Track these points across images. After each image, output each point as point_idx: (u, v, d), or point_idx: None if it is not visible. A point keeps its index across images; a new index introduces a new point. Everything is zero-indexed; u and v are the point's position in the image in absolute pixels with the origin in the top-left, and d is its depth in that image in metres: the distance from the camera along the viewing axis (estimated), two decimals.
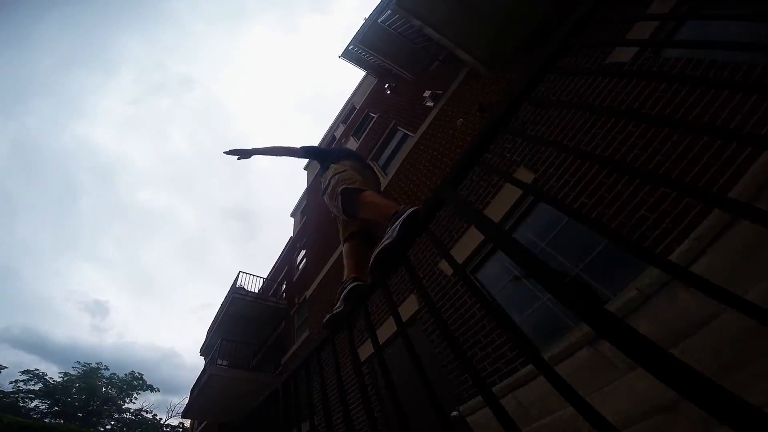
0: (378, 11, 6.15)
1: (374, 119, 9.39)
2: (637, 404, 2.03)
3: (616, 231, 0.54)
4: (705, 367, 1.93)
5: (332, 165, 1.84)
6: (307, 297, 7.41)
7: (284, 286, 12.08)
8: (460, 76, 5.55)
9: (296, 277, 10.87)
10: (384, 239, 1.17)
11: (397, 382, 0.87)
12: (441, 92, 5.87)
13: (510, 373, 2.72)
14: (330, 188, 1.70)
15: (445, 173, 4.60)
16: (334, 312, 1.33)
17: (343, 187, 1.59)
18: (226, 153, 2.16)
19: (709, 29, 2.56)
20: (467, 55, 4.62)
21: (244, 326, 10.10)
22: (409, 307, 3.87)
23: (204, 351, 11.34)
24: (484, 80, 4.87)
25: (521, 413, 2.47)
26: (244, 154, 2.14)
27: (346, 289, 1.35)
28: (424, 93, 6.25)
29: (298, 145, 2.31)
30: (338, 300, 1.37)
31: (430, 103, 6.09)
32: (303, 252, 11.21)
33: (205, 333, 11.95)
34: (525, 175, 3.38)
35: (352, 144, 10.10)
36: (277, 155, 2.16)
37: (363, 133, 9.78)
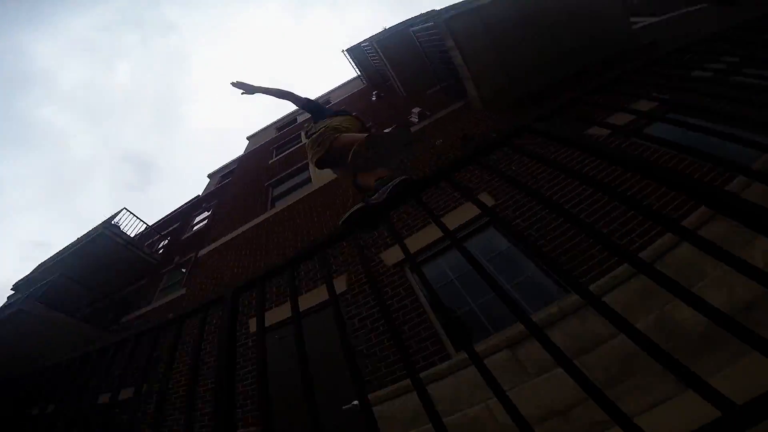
0: (416, 21, 6.57)
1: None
2: (539, 407, 2.24)
3: (552, 260, 0.72)
4: (594, 377, 2.30)
5: (325, 120, 1.94)
6: (198, 256, 6.33)
7: (165, 241, 10.28)
8: (453, 107, 6.14)
9: (186, 236, 9.45)
10: (372, 198, 1.30)
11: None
12: (429, 113, 6.36)
13: (426, 367, 2.74)
14: (317, 135, 1.81)
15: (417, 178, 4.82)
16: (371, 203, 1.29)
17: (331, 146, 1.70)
18: (233, 84, 2.27)
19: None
20: (474, 89, 5.20)
21: (95, 271, 7.91)
22: (339, 286, 3.66)
23: (20, 286, 8.36)
24: (475, 115, 5.49)
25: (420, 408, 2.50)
26: (248, 89, 2.23)
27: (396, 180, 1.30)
28: (412, 109, 6.66)
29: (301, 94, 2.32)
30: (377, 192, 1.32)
31: (414, 119, 6.49)
32: (208, 213, 9.96)
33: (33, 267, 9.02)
34: (486, 199, 3.79)
35: None
36: (278, 98, 2.24)
37: None
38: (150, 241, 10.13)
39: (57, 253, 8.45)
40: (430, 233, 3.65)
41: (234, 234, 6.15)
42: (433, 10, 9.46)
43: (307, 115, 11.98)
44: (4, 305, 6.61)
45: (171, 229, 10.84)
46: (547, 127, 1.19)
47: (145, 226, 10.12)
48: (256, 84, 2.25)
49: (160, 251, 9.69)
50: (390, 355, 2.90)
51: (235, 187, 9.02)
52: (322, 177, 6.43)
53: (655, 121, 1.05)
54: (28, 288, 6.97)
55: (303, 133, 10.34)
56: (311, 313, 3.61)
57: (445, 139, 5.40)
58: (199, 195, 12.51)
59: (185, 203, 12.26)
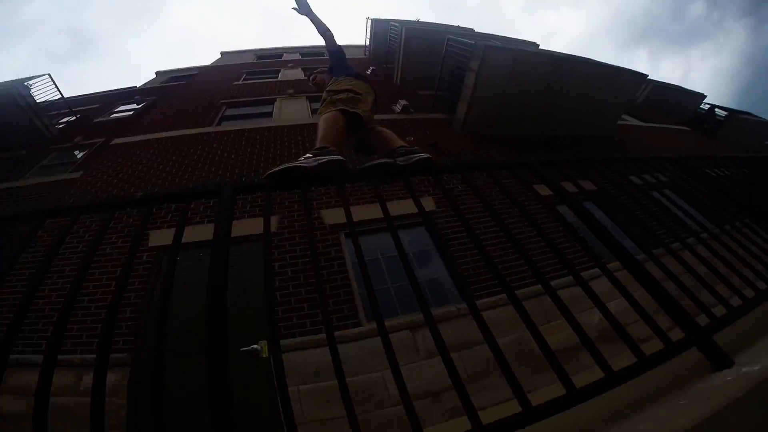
0: (452, 30, 6.68)
1: (319, 68, 9.16)
2: (420, 386, 2.53)
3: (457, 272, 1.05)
4: (463, 370, 2.68)
5: (346, 78, 2.01)
6: (111, 143, 5.43)
7: (70, 118, 8.69)
8: (435, 116, 6.44)
9: (100, 119, 8.17)
10: (400, 160, 1.51)
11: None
12: (412, 111, 6.54)
13: (339, 328, 2.87)
14: (340, 93, 1.83)
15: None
16: (301, 165, 1.29)
17: (342, 108, 1.74)
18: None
19: None
20: (464, 111, 5.57)
21: None
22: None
23: None
24: (449, 132, 5.85)
25: (327, 365, 2.61)
26: (303, 7, 2.16)
27: (334, 156, 1.35)
28: (399, 99, 6.78)
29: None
30: (316, 157, 1.34)
31: (397, 108, 6.62)
32: (137, 105, 8.74)
33: None
34: (428, 203, 4.12)
35: (296, 73, 9.36)
36: (318, 29, 2.20)
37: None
38: (54, 112, 8.41)
39: None
40: (374, 211, 3.80)
41: (165, 134, 5.47)
42: (472, 30, 9.79)
43: (295, 57, 11.31)
44: None
45: (85, 108, 9.17)
46: (544, 172, 1.50)
47: (59, 96, 8.46)
48: (311, 6, 2.17)
49: (60, 126, 8.15)
50: (304, 308, 2.94)
51: (186, 90, 8.04)
52: (287, 117, 6.14)
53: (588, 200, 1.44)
54: None
55: (285, 71, 9.69)
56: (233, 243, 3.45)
57: (415, 139, 5.63)
58: (135, 86, 10.86)
59: (116, 89, 10.58)
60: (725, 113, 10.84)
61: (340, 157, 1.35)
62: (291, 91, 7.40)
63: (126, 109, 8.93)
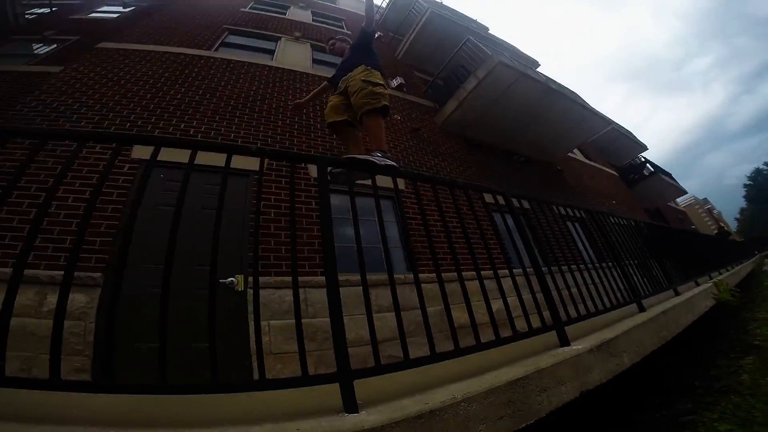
0: (471, 27, 6.50)
1: (342, 32, 8.59)
2: (367, 334, 2.93)
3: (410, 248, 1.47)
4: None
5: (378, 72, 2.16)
6: (100, 47, 4.74)
7: (43, 10, 7.27)
8: (423, 101, 6.49)
9: (77, 16, 7.04)
10: (373, 159, 1.75)
11: None
12: (405, 90, 6.52)
13: (308, 274, 2.99)
14: (378, 86, 2.02)
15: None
16: (374, 160, 1.74)
17: (384, 104, 2.00)
18: None
19: None
20: (451, 109, 5.70)
21: None
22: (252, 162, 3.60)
23: None
24: (431, 121, 6.01)
25: (302, 306, 2.81)
26: None
27: (392, 162, 1.81)
28: (397, 76, 6.67)
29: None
30: (383, 158, 1.79)
31: (393, 84, 6.53)
32: (122, 9, 7.56)
33: None
34: (400, 181, 4.38)
35: (305, 15, 8.58)
36: (369, 8, 2.29)
37: (321, 23, 8.66)
38: (27, 1, 6.89)
39: None
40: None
41: (157, 48, 4.90)
42: (487, 29, 9.45)
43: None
44: None
45: (65, 2, 7.62)
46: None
47: None
48: None
49: (30, 17, 6.79)
50: (281, 250, 3.06)
51: (185, 6, 7.01)
52: (289, 61, 5.79)
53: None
54: None
55: (294, 9, 8.76)
56: (205, 171, 3.41)
57: (401, 119, 5.72)
58: None
59: None
60: (651, 170, 12.21)
61: (395, 164, 1.80)
62: (298, 34, 6.85)
63: (110, 11, 7.61)
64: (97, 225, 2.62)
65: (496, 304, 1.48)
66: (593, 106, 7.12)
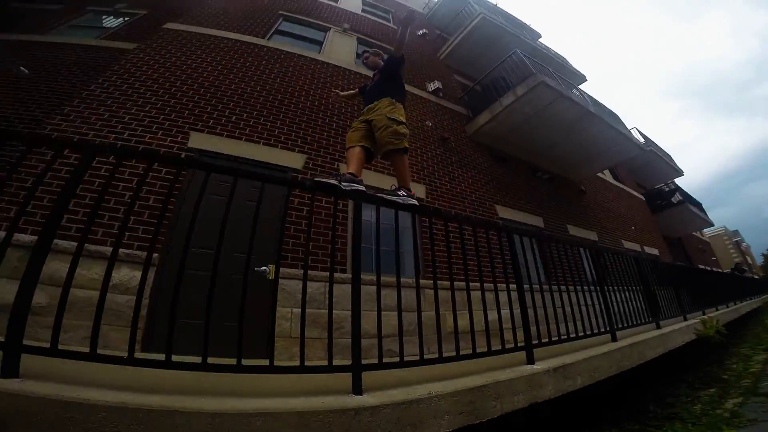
0: (521, 34, 6.23)
1: (389, 25, 8.34)
2: (372, 329, 3.17)
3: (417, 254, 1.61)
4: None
5: (401, 106, 2.30)
6: (167, 27, 4.94)
7: None
8: (457, 108, 6.33)
9: None
10: (397, 196, 2.00)
11: None
12: (441, 96, 6.36)
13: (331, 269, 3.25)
14: (401, 126, 2.18)
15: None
16: (331, 181, 1.85)
17: (405, 146, 2.19)
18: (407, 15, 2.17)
19: None
20: (483, 122, 5.60)
21: None
22: (295, 161, 3.77)
23: None
24: (462, 130, 5.91)
25: (320, 298, 3.07)
26: (406, 20, 2.15)
27: (413, 202, 2.06)
28: (435, 80, 6.50)
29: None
30: (344, 180, 1.91)
31: (430, 88, 6.39)
32: None
33: None
34: (420, 189, 4.47)
35: (355, 4, 8.35)
36: (402, 40, 2.24)
37: (371, 13, 8.43)
38: None
39: None
40: (380, 180, 4.10)
41: (217, 33, 5.01)
42: (539, 36, 8.90)
43: None
44: None
45: None
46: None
47: None
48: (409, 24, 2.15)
49: None
50: (309, 246, 3.27)
51: None
52: (335, 55, 5.79)
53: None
54: None
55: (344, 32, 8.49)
56: (250, 163, 3.62)
57: (432, 126, 5.65)
58: None
59: None
60: (680, 198, 11.40)
61: (416, 203, 2.07)
62: (347, 26, 6.74)
63: None
64: (154, 207, 2.92)
65: (478, 316, 1.71)
66: (630, 131, 6.71)
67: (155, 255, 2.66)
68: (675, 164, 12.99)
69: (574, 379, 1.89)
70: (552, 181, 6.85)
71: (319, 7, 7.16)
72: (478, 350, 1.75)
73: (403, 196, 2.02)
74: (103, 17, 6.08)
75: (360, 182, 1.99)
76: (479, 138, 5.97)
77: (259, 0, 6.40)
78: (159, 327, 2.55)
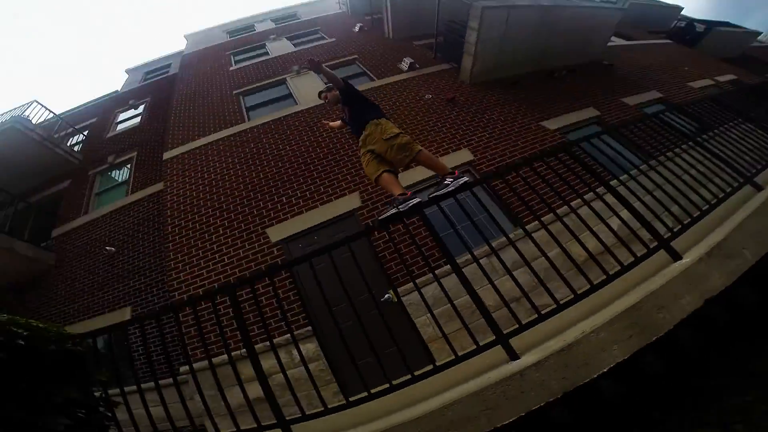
0: None
1: (326, 40, 9.27)
2: (507, 292, 3.63)
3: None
4: (530, 281, 3.86)
5: (386, 120, 2.68)
6: (167, 158, 5.94)
7: (79, 137, 8.89)
8: (440, 67, 6.95)
9: (111, 135, 8.54)
10: (445, 187, 2.40)
11: None
12: (418, 66, 7.00)
13: (435, 268, 3.81)
14: (398, 137, 2.54)
15: (401, 125, 5.64)
16: (392, 211, 2.36)
17: (419, 148, 2.58)
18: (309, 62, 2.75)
19: None
20: (470, 64, 6.14)
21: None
22: (353, 202, 4.46)
23: None
24: (457, 82, 6.48)
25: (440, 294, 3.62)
26: (314, 66, 2.66)
27: (411, 201, 2.35)
28: (404, 57, 7.17)
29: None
30: (399, 204, 2.34)
31: (404, 67, 7.05)
32: (135, 111, 9.16)
33: None
34: (466, 155, 5.00)
35: (284, 45, 9.38)
36: (334, 83, 2.80)
37: (302, 43, 9.43)
38: (60, 134, 8.53)
39: None
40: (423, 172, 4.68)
41: (207, 140, 5.95)
42: None
43: (268, 25, 10.86)
44: None
45: (86, 124, 9.26)
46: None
47: (53, 117, 8.56)
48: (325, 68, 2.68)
49: (76, 148, 8.41)
50: (408, 259, 3.89)
51: (187, 87, 8.13)
52: (309, 97, 6.58)
53: None
54: None
55: (270, 43, 9.53)
56: (323, 227, 4.35)
57: (434, 95, 6.24)
58: (117, 90, 10.75)
59: (100, 97, 10.58)
60: (703, 26, 11.33)
61: (467, 179, 2.47)
62: (296, 68, 7.65)
63: (127, 117, 9.11)
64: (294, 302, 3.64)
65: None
66: None
67: (308, 329, 3.42)
68: (665, 3, 13.12)
69: (739, 257, 1.80)
70: (573, 72, 7.16)
71: (260, 68, 8.18)
72: (611, 272, 1.92)
73: (450, 182, 2.38)
74: (110, 173, 7.37)
75: (413, 196, 2.36)
76: (478, 79, 6.49)
77: (208, 94, 7.45)
78: (343, 375, 3.38)
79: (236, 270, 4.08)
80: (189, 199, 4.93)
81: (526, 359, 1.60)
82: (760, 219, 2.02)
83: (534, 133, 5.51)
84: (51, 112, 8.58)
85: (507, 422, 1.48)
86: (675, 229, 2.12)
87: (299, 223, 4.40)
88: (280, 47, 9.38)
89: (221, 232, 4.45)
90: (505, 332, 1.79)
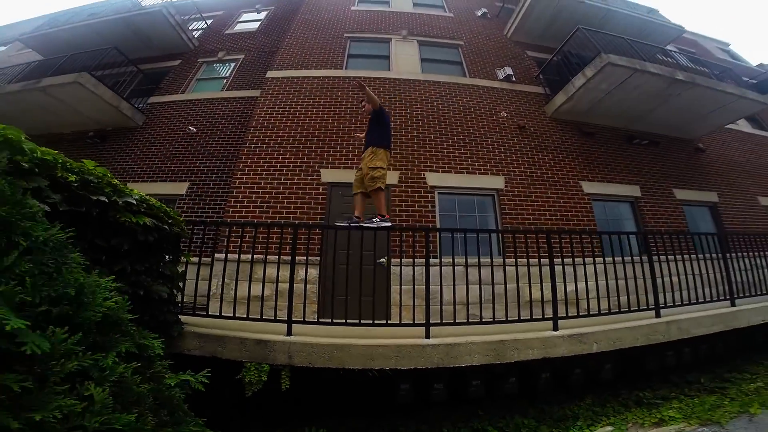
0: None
1: (444, 13, 9.49)
2: (460, 298, 4.67)
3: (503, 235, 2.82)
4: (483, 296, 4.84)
5: (386, 152, 3.73)
6: (270, 77, 7.14)
7: (202, 24, 10.44)
8: (532, 89, 7.27)
9: (229, 32, 10.13)
10: (372, 222, 3.51)
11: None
12: (514, 80, 7.34)
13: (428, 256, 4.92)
14: (376, 170, 3.56)
15: (460, 131, 6.33)
16: (343, 224, 3.56)
17: (378, 186, 3.58)
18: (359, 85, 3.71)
19: None
20: (559, 102, 6.54)
21: (128, 44, 8.60)
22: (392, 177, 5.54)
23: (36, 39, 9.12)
24: (538, 112, 6.86)
25: (408, 277, 4.77)
26: (360, 87, 3.68)
27: (353, 223, 3.53)
28: (504, 66, 7.49)
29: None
30: (350, 221, 3.60)
31: (500, 75, 7.42)
32: (257, 15, 10.56)
33: None
34: (499, 181, 5.70)
35: (405, 1, 9.74)
36: (376, 106, 3.74)
37: (422, 5, 9.71)
38: (188, 17, 10.08)
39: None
40: (457, 179, 5.53)
41: (307, 74, 7.06)
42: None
43: None
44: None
45: (212, 14, 10.75)
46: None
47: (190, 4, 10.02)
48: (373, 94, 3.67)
49: (195, 34, 9.94)
50: (408, 240, 5.02)
51: (312, 13, 9.06)
52: (402, 68, 7.34)
53: None
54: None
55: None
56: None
57: (508, 115, 6.70)
58: None
59: None
60: None
61: (389, 224, 3.60)
62: (404, 32, 8.26)
63: (251, 19, 10.42)
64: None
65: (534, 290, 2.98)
66: (747, 88, 6.60)
67: (317, 258, 4.68)
68: None
69: (589, 345, 3.01)
70: (656, 144, 7.16)
71: (375, 18, 8.82)
72: (509, 318, 3.11)
73: (377, 221, 3.48)
74: (215, 65, 8.96)
75: (356, 220, 3.58)
76: (560, 116, 6.80)
77: (323, 29, 8.37)
78: (326, 302, 4.56)
79: (286, 191, 5.41)
80: (274, 119, 6.22)
81: (431, 341, 2.87)
82: (624, 333, 3.19)
83: (569, 188, 6.00)
84: (196, 9, 10.12)
85: (406, 368, 2.76)
86: (569, 314, 3.27)
87: (347, 175, 5.54)
88: (400, 3, 9.77)
89: (287, 156, 5.75)
90: (431, 321, 2.99)
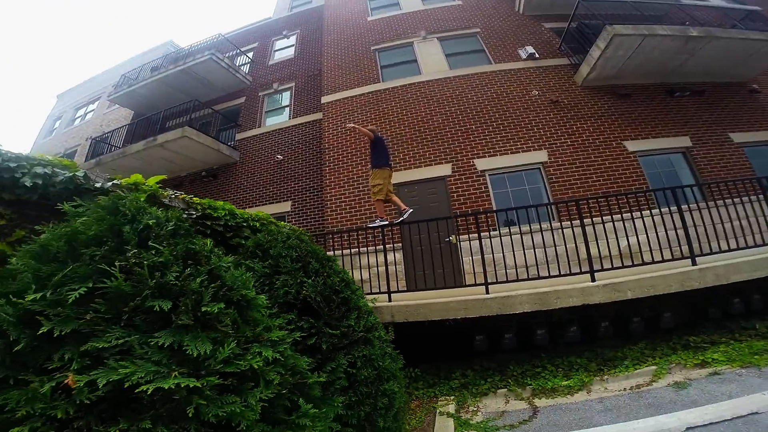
0: None
1: (453, 2, 10.07)
2: (521, 262, 5.73)
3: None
4: (541, 258, 5.84)
5: (382, 170, 5.01)
6: (324, 102, 8.37)
7: (246, 59, 11.95)
8: (558, 61, 7.95)
9: (272, 62, 11.43)
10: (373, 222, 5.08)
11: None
12: (537, 57, 8.04)
13: (485, 230, 6.01)
14: (375, 187, 4.93)
15: (499, 116, 7.24)
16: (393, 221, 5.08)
17: (377, 198, 4.98)
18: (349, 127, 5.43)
19: None
20: (585, 73, 7.19)
21: (194, 89, 10.59)
22: (444, 170, 6.70)
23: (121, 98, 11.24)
24: (573, 84, 7.58)
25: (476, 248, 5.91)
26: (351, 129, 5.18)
27: (386, 223, 5.02)
28: (526, 46, 8.20)
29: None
30: (381, 223, 4.98)
31: (523, 55, 8.14)
32: (288, 41, 11.85)
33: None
34: (542, 155, 6.62)
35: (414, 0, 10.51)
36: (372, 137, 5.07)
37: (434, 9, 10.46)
38: (229, 54, 11.67)
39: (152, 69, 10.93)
40: (507, 160, 6.53)
41: (352, 93, 8.22)
42: None
43: None
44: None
45: (249, 47, 12.25)
46: None
47: (228, 44, 11.55)
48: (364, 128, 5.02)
49: (248, 72, 11.48)
50: (469, 219, 6.13)
51: (332, 34, 10.18)
52: (430, 68, 8.34)
53: None
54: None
55: None
56: (418, 183, 6.68)
57: (540, 92, 7.45)
58: (270, 17, 13.31)
59: (256, 22, 13.32)
60: None
61: (385, 223, 5.02)
62: (423, 33, 9.16)
63: (285, 46, 11.79)
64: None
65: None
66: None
67: (399, 244, 5.98)
68: None
69: (623, 292, 3.51)
70: (701, 93, 7.37)
71: (393, 24, 9.72)
72: (551, 274, 4.07)
73: (375, 223, 4.93)
74: (274, 96, 10.54)
75: (384, 219, 4.98)
76: (590, 83, 7.41)
77: (353, 42, 9.51)
78: (410, 277, 5.88)
79: (365, 196, 6.73)
80: (340, 137, 7.60)
81: (489, 296, 3.94)
82: (655, 279, 3.68)
83: (612, 149, 6.73)
84: (231, 43, 11.63)
85: (472, 317, 3.85)
86: (604, 266, 4.04)
87: (405, 175, 6.78)
88: (410, 2, 10.53)
89: (357, 167, 7.08)
90: (489, 281, 4.12)
